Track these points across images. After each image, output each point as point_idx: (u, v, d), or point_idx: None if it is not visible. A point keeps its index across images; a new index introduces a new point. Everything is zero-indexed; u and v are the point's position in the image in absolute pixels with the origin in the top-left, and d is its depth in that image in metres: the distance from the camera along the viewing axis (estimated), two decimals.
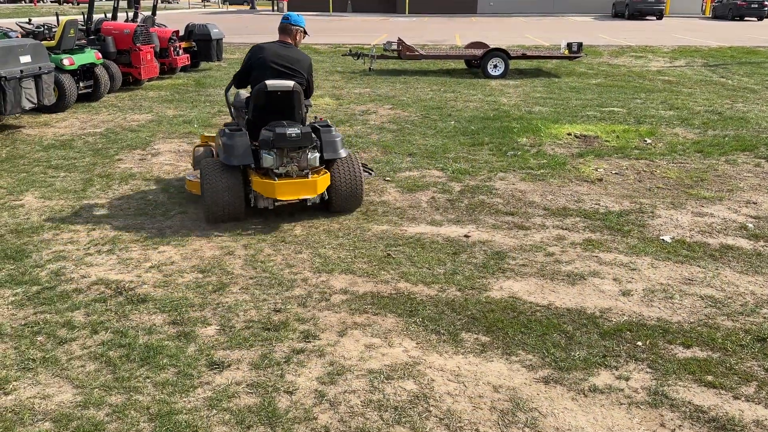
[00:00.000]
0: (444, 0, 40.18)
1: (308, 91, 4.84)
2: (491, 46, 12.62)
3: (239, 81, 4.78)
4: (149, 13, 12.34)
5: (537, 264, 3.97)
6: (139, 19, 11.86)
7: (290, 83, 4.47)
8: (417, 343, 3.05)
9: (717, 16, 33.55)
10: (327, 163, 4.65)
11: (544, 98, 9.99)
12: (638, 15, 31.12)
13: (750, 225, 4.61)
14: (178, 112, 8.79)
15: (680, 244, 4.27)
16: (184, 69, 12.53)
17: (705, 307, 3.41)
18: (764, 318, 3.30)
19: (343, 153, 4.65)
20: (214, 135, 5.37)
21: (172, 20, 23.45)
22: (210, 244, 4.22)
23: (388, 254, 4.10)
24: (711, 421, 2.49)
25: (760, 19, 31.66)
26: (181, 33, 12.59)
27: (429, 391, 2.68)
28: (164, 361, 2.88)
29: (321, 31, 24.18)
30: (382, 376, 2.78)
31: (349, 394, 2.65)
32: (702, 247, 4.21)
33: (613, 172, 5.99)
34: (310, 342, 3.04)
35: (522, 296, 3.54)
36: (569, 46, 12.35)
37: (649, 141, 7.11)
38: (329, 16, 35.78)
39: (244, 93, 5.11)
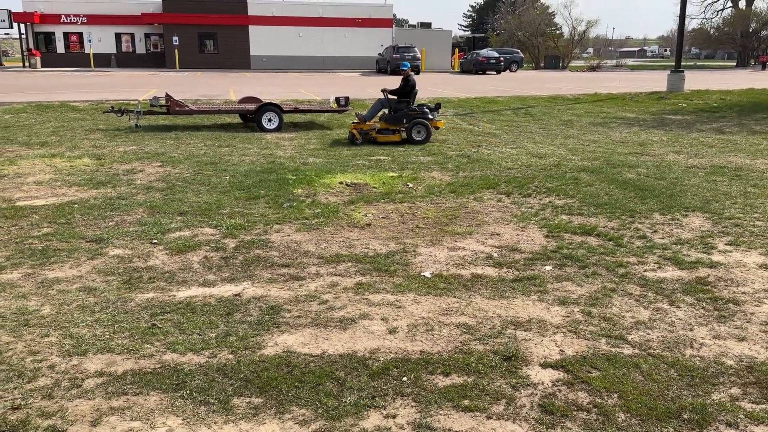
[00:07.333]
0: (216, 55, 40.01)
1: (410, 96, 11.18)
2: (264, 101, 12.83)
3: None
4: None
5: (311, 314, 4.01)
6: None
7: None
8: (183, 419, 2.85)
9: (464, 70, 38.33)
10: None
11: (318, 150, 10.35)
12: (398, 70, 34.16)
13: (495, 254, 5.20)
14: None
15: (438, 278, 4.64)
16: None
17: (460, 335, 3.73)
18: (509, 338, 3.70)
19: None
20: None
21: None
22: None
23: (154, 324, 3.82)
24: None
25: (499, 72, 36.87)
26: None
27: None
28: None
29: (81, 87, 22.46)
30: None
31: None
32: (456, 279, 4.62)
33: (381, 216, 6.36)
34: None
35: (296, 349, 3.53)
36: (337, 100, 13.06)
37: (410, 185, 7.72)
38: (91, 72, 33.38)
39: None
